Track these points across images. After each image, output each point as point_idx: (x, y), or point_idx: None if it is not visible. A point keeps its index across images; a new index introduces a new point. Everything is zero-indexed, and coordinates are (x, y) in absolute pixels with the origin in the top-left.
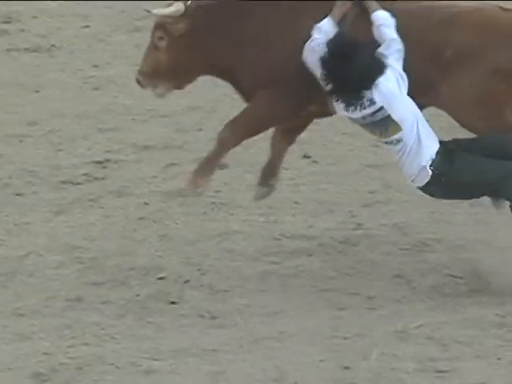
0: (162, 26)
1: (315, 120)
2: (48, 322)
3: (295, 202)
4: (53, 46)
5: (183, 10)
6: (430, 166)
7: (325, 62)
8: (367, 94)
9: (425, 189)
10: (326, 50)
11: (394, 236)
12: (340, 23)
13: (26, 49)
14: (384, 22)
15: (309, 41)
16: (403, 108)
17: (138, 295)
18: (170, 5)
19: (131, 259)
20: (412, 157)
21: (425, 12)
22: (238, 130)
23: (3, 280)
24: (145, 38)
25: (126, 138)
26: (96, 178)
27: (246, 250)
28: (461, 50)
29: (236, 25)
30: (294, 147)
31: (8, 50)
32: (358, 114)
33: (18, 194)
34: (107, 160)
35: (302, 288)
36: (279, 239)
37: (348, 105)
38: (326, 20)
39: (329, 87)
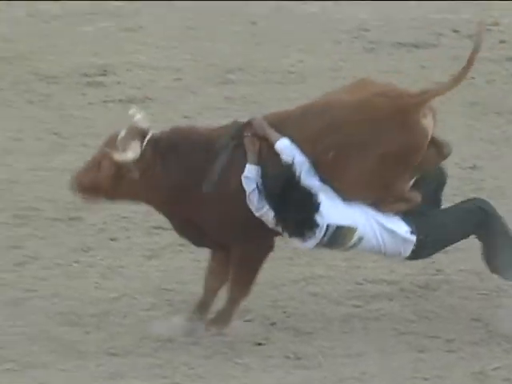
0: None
1: None
2: (140, 361)
3: None
4: (146, 97)
5: (139, 155)
6: (411, 233)
7: (270, 207)
8: (316, 218)
9: (418, 255)
10: (263, 198)
11: (472, 281)
12: (259, 161)
13: (121, 100)
14: (285, 151)
15: (247, 195)
16: (345, 211)
17: (225, 336)
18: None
19: (219, 302)
20: (386, 241)
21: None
22: (246, 287)
23: (97, 321)
24: (234, 90)
25: None
26: None
27: (330, 293)
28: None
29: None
30: None
31: (104, 101)
32: (314, 242)
33: (112, 239)
34: None
35: (383, 331)
36: (361, 284)
37: (304, 237)
38: (247, 168)
39: (283, 228)
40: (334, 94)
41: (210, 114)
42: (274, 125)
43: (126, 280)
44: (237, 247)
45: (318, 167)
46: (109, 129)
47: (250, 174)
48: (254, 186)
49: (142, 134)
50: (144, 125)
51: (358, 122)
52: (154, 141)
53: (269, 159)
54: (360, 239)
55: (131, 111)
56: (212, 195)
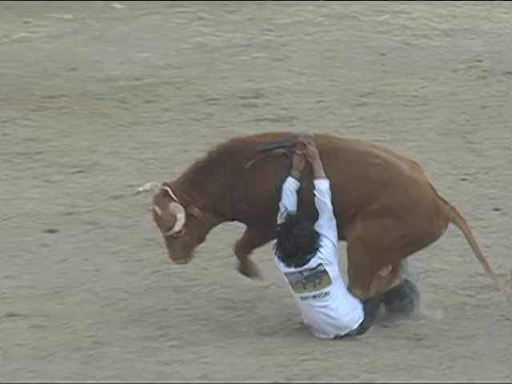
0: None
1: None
2: (285, 340)
3: (487, 246)
4: (292, 117)
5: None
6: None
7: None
8: (309, 258)
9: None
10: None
11: None
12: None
13: (271, 119)
14: (320, 193)
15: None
16: (336, 269)
17: None
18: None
19: None
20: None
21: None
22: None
23: (249, 306)
24: (366, 111)
25: None
26: None
27: (446, 284)
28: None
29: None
30: (486, 201)
31: (257, 119)
32: (296, 269)
33: None
34: None
35: (491, 317)
36: (473, 276)
37: (289, 265)
38: (289, 180)
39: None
40: (392, 154)
41: (346, 131)
42: (322, 152)
43: (273, 270)
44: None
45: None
46: None
47: (290, 186)
48: (288, 198)
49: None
50: (159, 188)
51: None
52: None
53: (304, 186)
54: (326, 294)
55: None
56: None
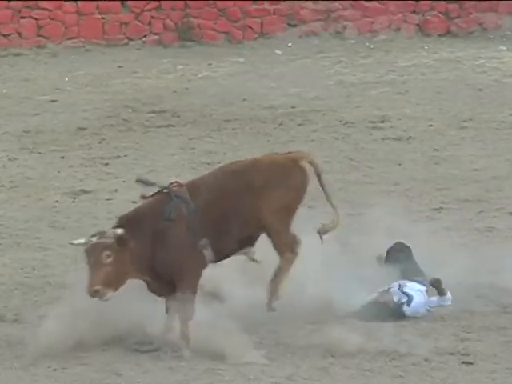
0: (108, 246)
1: None
2: None
3: None
4: (410, 137)
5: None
6: None
7: None
8: None
9: None
10: None
11: None
12: None
13: (393, 138)
14: None
15: None
16: None
17: None
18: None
19: None
20: None
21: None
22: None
23: None
24: (468, 134)
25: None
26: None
27: None
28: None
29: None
30: None
31: (382, 138)
32: None
33: None
34: (440, 208)
35: None
36: None
37: None
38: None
39: None
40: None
41: (451, 147)
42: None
43: None
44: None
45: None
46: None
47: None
48: None
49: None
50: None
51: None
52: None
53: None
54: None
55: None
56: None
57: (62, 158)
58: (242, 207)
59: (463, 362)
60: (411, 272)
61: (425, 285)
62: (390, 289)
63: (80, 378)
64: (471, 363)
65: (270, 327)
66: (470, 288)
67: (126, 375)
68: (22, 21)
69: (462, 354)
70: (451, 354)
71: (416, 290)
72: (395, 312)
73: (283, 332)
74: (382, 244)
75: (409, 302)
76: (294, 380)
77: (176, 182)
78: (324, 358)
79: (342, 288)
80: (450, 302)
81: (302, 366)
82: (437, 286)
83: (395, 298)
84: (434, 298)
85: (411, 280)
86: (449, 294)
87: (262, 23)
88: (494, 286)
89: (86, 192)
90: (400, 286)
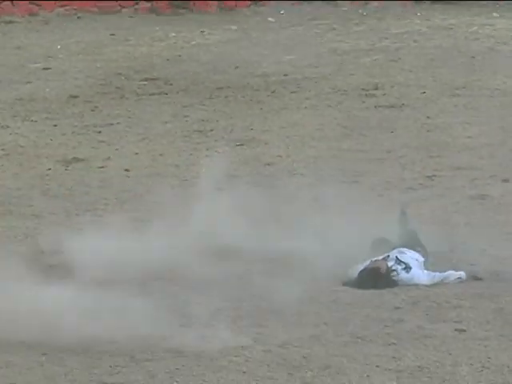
0: None
1: None
2: None
3: None
4: (402, 104)
5: None
6: None
7: None
8: None
9: None
10: None
11: None
12: None
13: (386, 106)
14: None
15: None
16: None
17: None
18: None
19: None
20: None
21: None
22: None
23: None
24: (460, 101)
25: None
26: (427, 186)
27: None
28: None
29: None
30: None
31: (375, 106)
32: None
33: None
34: (433, 175)
35: None
36: None
37: None
38: None
39: None
40: None
41: (444, 115)
42: None
43: None
44: None
45: None
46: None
47: None
48: None
49: None
50: None
51: None
52: None
53: None
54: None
55: None
56: None
57: (55, 125)
58: None
59: (456, 330)
60: (411, 240)
61: (424, 256)
62: (388, 256)
63: None
64: (464, 330)
65: (263, 295)
66: (462, 255)
67: None
68: None
69: (455, 322)
70: (444, 321)
71: (413, 260)
72: (387, 278)
73: (276, 300)
74: (375, 212)
75: (406, 268)
76: (287, 348)
77: None
78: (316, 326)
79: (335, 256)
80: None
81: (295, 334)
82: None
83: (389, 264)
84: (451, 272)
85: (412, 249)
86: (462, 272)
87: None
88: (487, 254)
89: (78, 160)
90: (399, 253)
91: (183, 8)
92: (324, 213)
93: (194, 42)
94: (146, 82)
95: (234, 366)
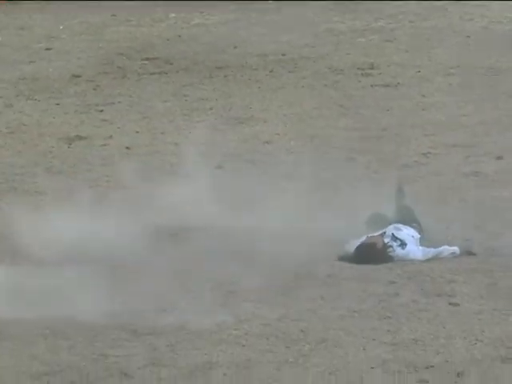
0: None
1: None
2: None
3: None
4: (398, 83)
5: None
6: None
7: None
8: None
9: None
10: None
11: None
12: None
13: (382, 85)
14: None
15: None
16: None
17: None
18: None
19: None
20: None
21: None
22: None
23: None
24: (455, 80)
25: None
26: (422, 164)
27: None
28: None
29: None
30: None
31: (371, 85)
32: None
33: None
34: (429, 153)
35: None
36: None
37: None
38: None
39: None
40: None
41: (439, 93)
42: None
43: None
44: None
45: None
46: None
47: None
48: None
49: None
50: None
51: None
52: None
53: None
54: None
55: None
56: None
57: (58, 104)
58: None
59: (450, 304)
60: (407, 217)
61: (419, 233)
62: (385, 232)
63: None
64: (458, 304)
65: (262, 270)
66: (457, 231)
67: None
68: None
69: (449, 296)
70: (438, 295)
71: (409, 236)
72: (382, 253)
73: (275, 274)
74: (370, 191)
75: (402, 245)
76: (285, 321)
77: None
78: (313, 301)
79: (331, 232)
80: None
81: (292, 308)
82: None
83: (385, 240)
84: (445, 247)
85: (408, 225)
86: (456, 247)
87: None
88: (481, 230)
89: (81, 138)
90: (395, 230)
91: None
92: (321, 190)
93: (193, 23)
94: (146, 62)
95: (234, 339)
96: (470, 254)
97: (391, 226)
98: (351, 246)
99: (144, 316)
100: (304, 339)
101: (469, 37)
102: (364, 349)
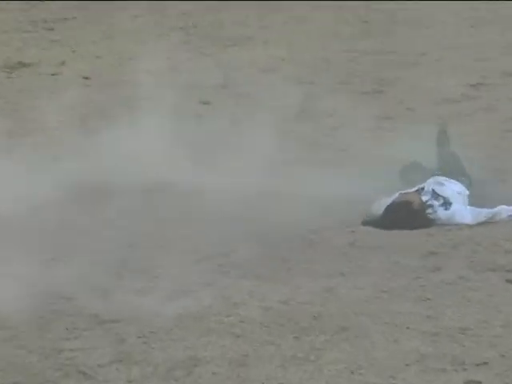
0: None
1: None
2: None
3: None
4: None
5: None
6: None
7: None
8: None
9: None
10: None
11: None
12: None
13: None
14: None
15: None
16: None
17: None
18: None
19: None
20: None
21: None
22: None
23: None
24: None
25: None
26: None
27: None
28: None
29: None
30: None
31: None
32: None
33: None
34: (479, 84)
35: None
36: None
37: None
38: None
39: None
40: None
41: None
42: None
43: None
44: None
45: None
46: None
47: None
48: None
49: None
50: None
51: None
52: None
53: None
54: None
55: None
56: None
57: None
58: None
59: (507, 281)
60: (452, 167)
61: (468, 188)
62: (423, 188)
63: None
64: None
65: (260, 237)
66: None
67: None
68: None
69: (506, 271)
70: (492, 270)
71: (455, 193)
72: (420, 215)
73: (278, 243)
74: (403, 134)
75: (446, 204)
76: (292, 305)
77: None
78: (330, 277)
79: (353, 186)
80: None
81: (302, 287)
82: None
83: (424, 198)
84: (502, 206)
85: (453, 179)
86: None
87: None
88: None
89: (24, 65)
90: (436, 184)
91: None
92: (337, 132)
93: None
94: None
95: (225, 327)
96: None
97: (431, 180)
98: (379, 207)
99: (107, 297)
100: (317, 328)
101: None
102: (395, 340)
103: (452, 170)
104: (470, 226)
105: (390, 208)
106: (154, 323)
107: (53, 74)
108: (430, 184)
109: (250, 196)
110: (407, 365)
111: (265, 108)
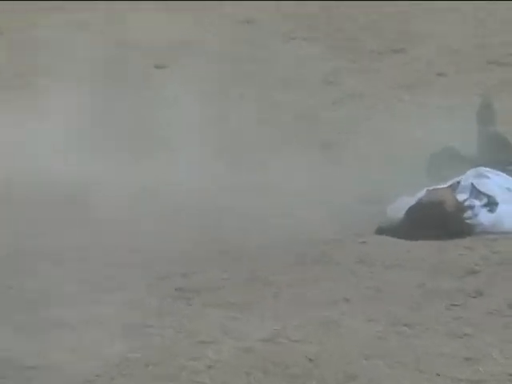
0: None
1: None
2: None
3: None
4: None
5: None
6: None
7: None
8: None
9: None
10: None
11: None
12: None
13: None
14: None
15: None
16: None
17: None
18: None
19: None
20: None
21: None
22: None
23: None
24: None
25: None
26: None
27: None
28: None
29: None
30: None
31: None
32: None
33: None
34: None
35: None
36: None
37: None
38: None
39: None
40: None
41: None
42: None
43: None
44: None
45: None
46: None
47: None
48: None
49: None
50: None
51: None
52: None
53: None
54: None
55: None
56: None
57: None
58: None
59: None
60: (499, 153)
61: None
62: (459, 183)
63: None
64: None
65: (246, 255)
66: None
67: None
68: None
69: None
70: None
71: (503, 189)
72: (455, 220)
73: (263, 259)
74: (433, 110)
75: (490, 205)
76: (280, 343)
77: None
78: (333, 304)
79: (366, 180)
80: None
81: (294, 318)
82: None
83: (460, 197)
84: None
85: (500, 169)
86: None
87: None
88: None
89: None
90: (477, 177)
91: None
92: (342, 104)
93: None
94: None
95: (188, 375)
96: None
97: (470, 172)
98: (399, 209)
99: (24, 334)
100: (314, 375)
101: None
102: None
103: (498, 157)
104: None
105: (414, 210)
106: (90, 369)
107: None
108: (468, 177)
109: (221, 190)
110: None
111: (247, 70)
